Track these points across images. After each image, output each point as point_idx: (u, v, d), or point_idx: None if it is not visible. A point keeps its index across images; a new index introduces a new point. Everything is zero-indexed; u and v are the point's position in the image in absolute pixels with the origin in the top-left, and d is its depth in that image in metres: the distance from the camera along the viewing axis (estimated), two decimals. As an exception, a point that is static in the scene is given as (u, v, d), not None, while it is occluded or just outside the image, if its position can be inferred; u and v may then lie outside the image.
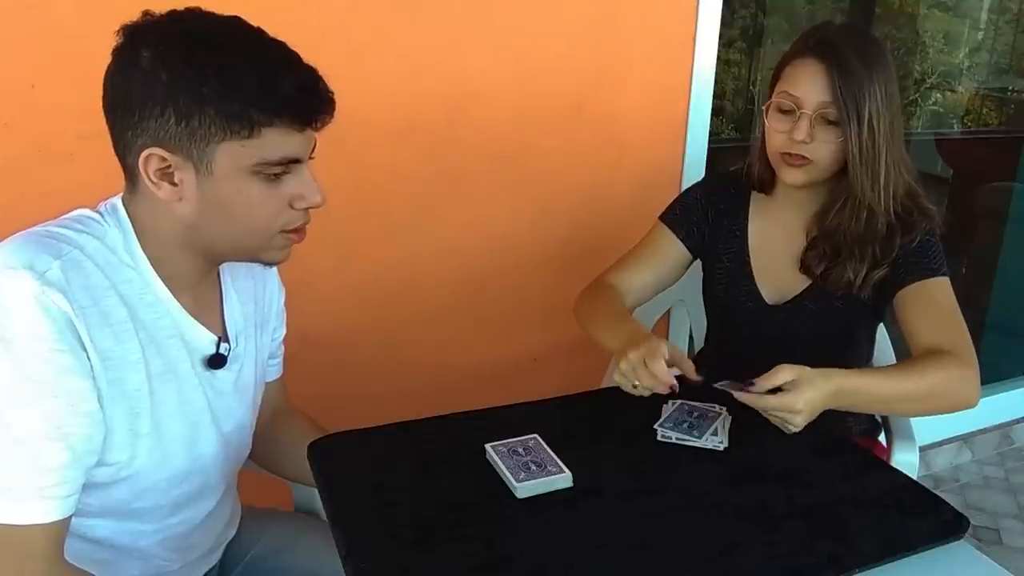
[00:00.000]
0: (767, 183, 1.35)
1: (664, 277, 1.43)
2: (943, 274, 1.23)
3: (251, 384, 1.06)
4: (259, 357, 1.08)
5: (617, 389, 1.16)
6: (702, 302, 1.52)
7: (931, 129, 3.31)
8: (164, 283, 0.90)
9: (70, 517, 0.82)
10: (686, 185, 1.84)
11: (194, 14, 0.83)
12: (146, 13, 0.83)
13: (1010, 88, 3.43)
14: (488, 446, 1.02)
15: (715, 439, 1.07)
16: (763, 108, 1.26)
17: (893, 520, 0.94)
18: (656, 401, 1.12)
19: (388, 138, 1.54)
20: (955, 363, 1.10)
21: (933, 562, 0.89)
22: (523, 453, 1.01)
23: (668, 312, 1.85)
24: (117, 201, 0.90)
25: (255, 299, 1.07)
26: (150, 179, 0.83)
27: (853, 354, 1.40)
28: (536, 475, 0.97)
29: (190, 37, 0.80)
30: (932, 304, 1.21)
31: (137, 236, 0.88)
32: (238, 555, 1.16)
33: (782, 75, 1.24)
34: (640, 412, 1.12)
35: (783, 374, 0.99)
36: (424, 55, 1.53)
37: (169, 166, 0.83)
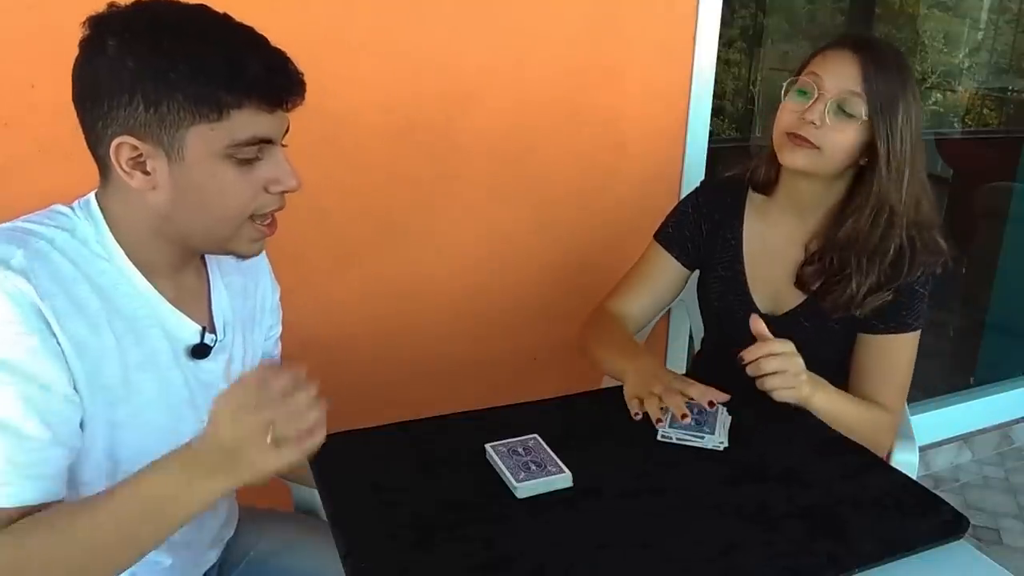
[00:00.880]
0: (768, 183, 1.33)
1: (662, 298, 1.46)
2: (916, 328, 1.26)
3: None
4: (251, 352, 1.08)
5: (617, 389, 1.16)
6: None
7: (931, 129, 3.31)
8: (142, 273, 0.89)
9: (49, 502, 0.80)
10: (686, 183, 1.84)
11: (159, 3, 0.83)
12: (111, 4, 0.83)
13: (1010, 88, 3.44)
14: (488, 446, 1.03)
15: (715, 439, 1.07)
16: (782, 87, 1.24)
17: (893, 520, 0.94)
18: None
19: (387, 139, 1.54)
20: (887, 419, 1.27)
21: (933, 562, 0.89)
22: (523, 453, 1.01)
23: (668, 312, 1.85)
24: (91, 196, 0.90)
25: (245, 294, 1.07)
26: (122, 168, 0.83)
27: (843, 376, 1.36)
28: (536, 475, 0.97)
29: (155, 24, 0.81)
30: (889, 359, 1.27)
31: (110, 227, 0.88)
32: (237, 555, 1.16)
33: (811, 62, 1.23)
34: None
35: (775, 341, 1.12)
36: (424, 55, 1.53)
37: (141, 154, 0.82)
